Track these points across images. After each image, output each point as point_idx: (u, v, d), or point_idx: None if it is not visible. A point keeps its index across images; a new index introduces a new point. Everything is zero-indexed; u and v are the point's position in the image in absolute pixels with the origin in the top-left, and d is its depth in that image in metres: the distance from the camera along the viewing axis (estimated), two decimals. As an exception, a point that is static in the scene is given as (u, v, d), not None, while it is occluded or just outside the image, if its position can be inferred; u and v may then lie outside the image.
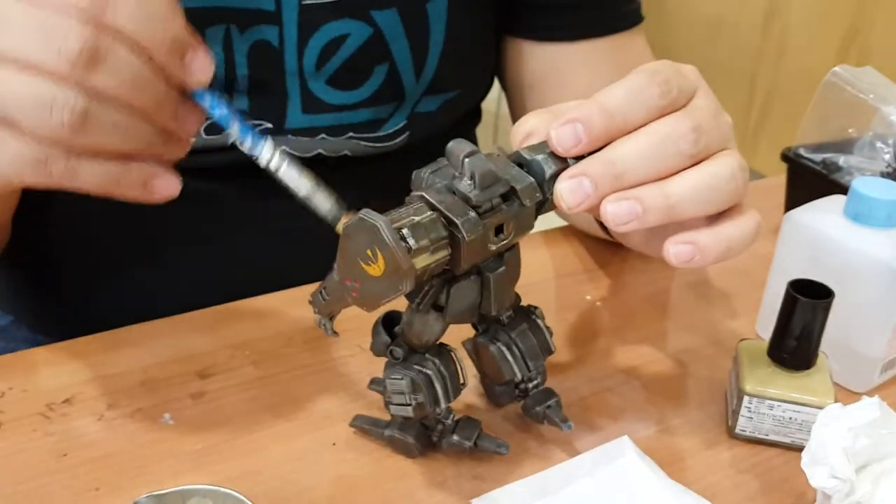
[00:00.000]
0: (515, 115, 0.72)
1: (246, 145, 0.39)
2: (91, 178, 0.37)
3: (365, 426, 0.45)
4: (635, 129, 0.38)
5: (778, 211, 0.65)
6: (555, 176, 0.38)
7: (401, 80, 0.60)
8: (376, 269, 0.36)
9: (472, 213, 0.36)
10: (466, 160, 0.37)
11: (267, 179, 0.62)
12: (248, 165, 0.60)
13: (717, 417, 0.47)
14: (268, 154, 0.39)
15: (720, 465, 0.44)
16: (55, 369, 0.49)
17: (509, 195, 0.38)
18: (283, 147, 0.39)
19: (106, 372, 0.49)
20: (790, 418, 0.44)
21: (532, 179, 0.38)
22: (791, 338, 0.44)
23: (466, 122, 0.71)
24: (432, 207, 0.37)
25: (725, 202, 0.38)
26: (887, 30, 1.90)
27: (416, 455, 0.44)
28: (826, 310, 0.43)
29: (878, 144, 0.61)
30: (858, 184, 0.48)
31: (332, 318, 0.44)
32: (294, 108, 0.59)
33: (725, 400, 0.48)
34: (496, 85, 0.73)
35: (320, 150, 0.60)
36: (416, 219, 0.36)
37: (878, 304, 0.47)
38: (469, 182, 0.37)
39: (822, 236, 0.49)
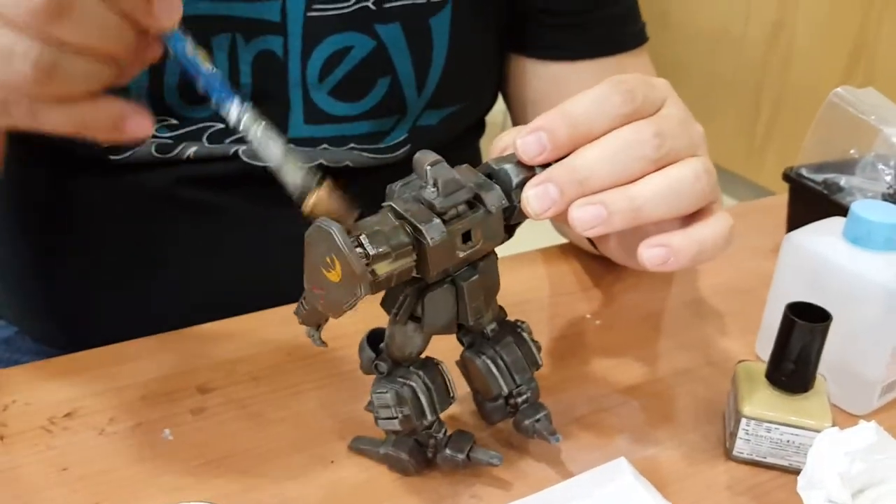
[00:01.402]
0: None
1: (213, 98, 0.38)
2: (58, 122, 0.36)
3: (362, 447, 0.45)
4: (599, 137, 0.38)
5: (780, 230, 0.65)
6: (522, 184, 0.39)
7: (402, 93, 0.61)
8: (335, 275, 0.36)
9: (437, 220, 0.37)
10: (429, 168, 0.38)
11: (270, 188, 0.63)
12: (252, 174, 0.61)
13: (714, 439, 0.47)
14: (235, 112, 0.37)
15: (717, 487, 0.44)
16: (58, 383, 0.50)
17: (475, 202, 0.39)
18: (253, 108, 0.38)
19: (108, 386, 0.50)
20: (788, 441, 0.44)
21: (497, 187, 0.39)
22: (789, 360, 0.44)
23: (469, 136, 0.71)
24: (398, 216, 0.37)
25: (692, 204, 0.39)
26: (894, 43, 1.90)
27: (411, 472, 0.44)
28: (824, 333, 0.43)
29: (880, 166, 0.61)
30: (858, 207, 0.48)
31: (319, 328, 0.44)
32: (296, 118, 0.60)
33: (723, 421, 0.48)
34: (502, 97, 0.73)
35: (321, 161, 0.61)
36: (378, 227, 0.37)
37: (877, 327, 0.47)
38: (433, 189, 0.37)
39: (821, 259, 0.49)
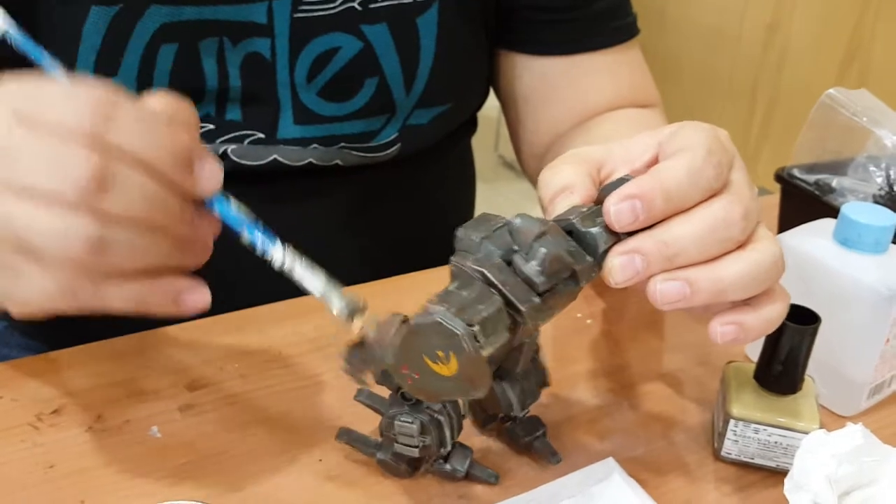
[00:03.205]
0: (511, 126, 0.72)
1: (257, 247, 0.39)
2: (119, 300, 0.36)
3: (354, 443, 0.45)
4: (690, 209, 0.38)
5: (771, 230, 0.64)
6: (606, 251, 0.38)
7: (391, 93, 0.60)
8: (446, 369, 0.36)
9: (537, 299, 0.36)
10: (536, 244, 0.36)
11: (261, 187, 0.63)
12: (242, 173, 0.60)
13: (702, 440, 0.47)
14: (279, 255, 0.39)
15: (705, 487, 0.44)
16: (46, 379, 0.49)
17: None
18: (291, 249, 0.39)
19: (96, 383, 0.49)
20: (776, 442, 0.44)
21: (591, 260, 0.38)
22: (777, 362, 0.44)
23: (460, 134, 0.71)
24: (493, 286, 0.36)
25: (767, 286, 0.39)
26: (888, 43, 1.91)
27: (404, 477, 0.44)
28: (813, 335, 0.43)
29: (871, 167, 0.61)
30: (848, 209, 0.48)
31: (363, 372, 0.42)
32: (286, 118, 0.59)
33: (712, 422, 0.48)
34: (494, 94, 0.73)
35: (311, 160, 0.60)
36: (483, 311, 0.35)
37: (866, 328, 0.48)
38: (538, 268, 0.36)
39: (811, 260, 0.49)
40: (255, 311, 0.57)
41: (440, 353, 0.35)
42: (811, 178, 0.64)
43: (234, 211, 0.38)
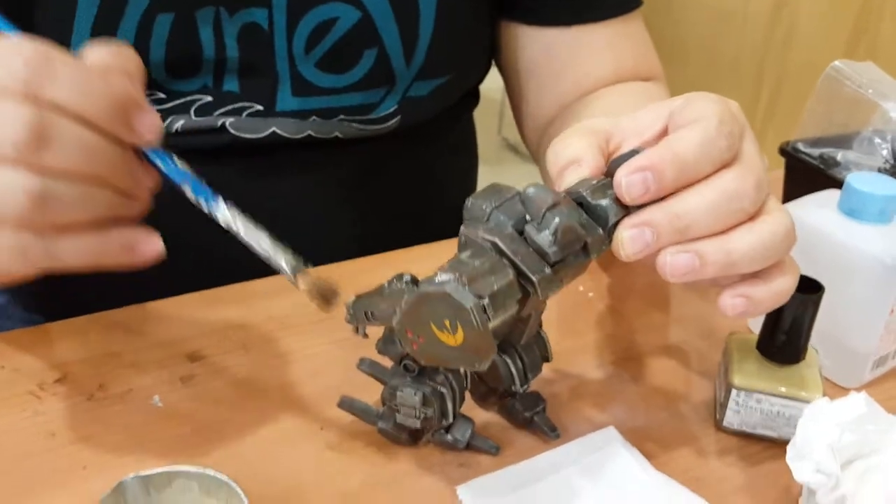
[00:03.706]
0: (513, 100, 0.72)
1: (201, 203, 0.39)
2: (72, 255, 0.37)
3: (355, 411, 0.45)
4: (700, 180, 0.38)
5: (775, 205, 0.64)
6: (616, 224, 0.38)
7: (391, 64, 0.60)
8: (451, 339, 0.35)
9: (548, 270, 0.36)
10: (549, 214, 0.36)
11: (258, 160, 0.62)
12: (240, 147, 0.60)
13: (704, 411, 0.47)
14: (222, 215, 0.39)
15: (706, 457, 0.44)
16: (47, 349, 0.49)
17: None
18: (235, 206, 0.39)
19: (98, 353, 0.49)
20: (778, 412, 0.44)
21: (601, 232, 0.38)
22: (780, 332, 0.44)
23: (461, 106, 0.70)
24: (504, 256, 0.36)
25: (778, 259, 0.39)
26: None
27: (405, 446, 0.44)
28: (816, 304, 0.43)
29: (877, 140, 0.61)
30: (853, 179, 0.47)
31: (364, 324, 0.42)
32: (285, 90, 0.59)
33: (714, 393, 0.48)
34: (496, 67, 0.72)
35: (310, 132, 0.60)
36: (495, 284, 0.35)
37: (870, 299, 0.47)
38: (550, 238, 0.36)
39: (815, 231, 0.48)
40: (256, 282, 0.56)
41: (447, 323, 0.35)
42: (816, 151, 0.63)
43: (176, 165, 0.38)
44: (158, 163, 0.38)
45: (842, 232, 0.47)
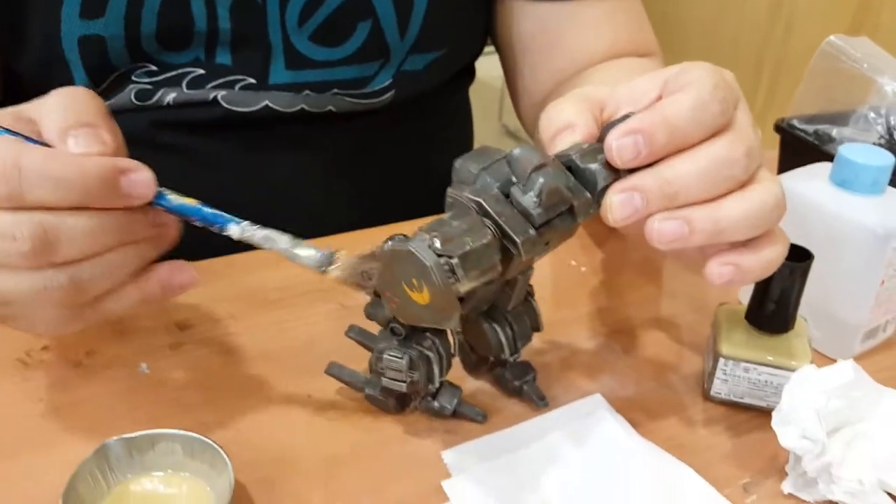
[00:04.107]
0: (509, 77, 0.72)
1: (215, 229, 0.40)
2: (118, 309, 0.39)
3: (343, 377, 0.45)
4: (692, 146, 0.37)
5: (769, 181, 0.64)
6: (606, 187, 0.37)
7: (385, 37, 0.60)
8: (420, 297, 0.35)
9: (532, 232, 0.36)
10: (535, 175, 0.36)
11: (252, 134, 0.62)
12: (232, 119, 0.60)
13: (693, 381, 0.47)
14: (236, 230, 0.39)
15: (693, 426, 0.44)
16: (35, 317, 0.49)
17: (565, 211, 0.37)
18: (246, 222, 0.39)
19: (86, 321, 0.49)
20: (766, 381, 0.44)
21: (588, 195, 0.37)
22: (769, 301, 0.44)
23: (456, 82, 0.70)
24: (488, 216, 0.36)
25: (768, 228, 0.38)
26: (898, 11, 1.88)
27: (393, 413, 0.44)
28: (805, 273, 0.43)
29: (871, 115, 0.60)
30: (845, 150, 0.47)
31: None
32: (278, 63, 0.59)
33: (704, 364, 0.48)
34: (492, 42, 0.72)
35: (303, 106, 0.60)
36: (469, 244, 0.34)
37: (862, 270, 0.47)
38: (535, 199, 0.36)
39: (807, 202, 0.48)
40: (247, 255, 0.56)
41: (414, 282, 0.35)
42: (811, 128, 0.63)
43: (178, 202, 0.39)
44: (164, 205, 0.39)
45: (833, 203, 0.47)
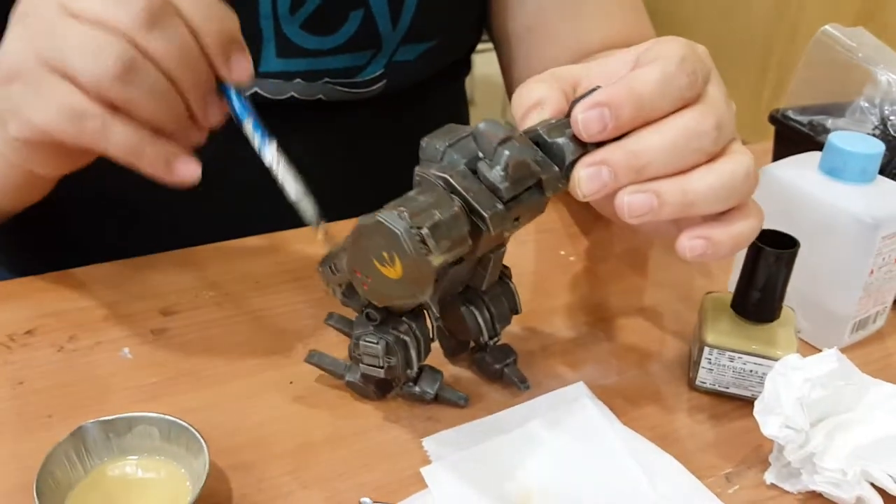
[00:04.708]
0: (504, 67, 0.71)
1: (255, 142, 0.41)
2: (119, 140, 0.38)
3: (324, 366, 0.44)
4: (660, 119, 0.37)
5: (763, 173, 0.63)
6: (574, 162, 0.37)
7: (377, 26, 0.59)
8: (392, 272, 0.35)
9: (500, 206, 0.35)
10: (500, 148, 0.35)
11: (236, 126, 0.62)
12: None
13: (678, 371, 0.47)
14: (270, 155, 0.41)
15: (677, 414, 0.44)
16: (19, 302, 0.49)
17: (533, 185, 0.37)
18: (282, 152, 0.41)
19: (70, 306, 0.49)
20: (750, 371, 0.43)
21: (557, 170, 0.37)
22: (755, 289, 0.43)
23: (451, 73, 0.69)
24: (455, 192, 0.35)
25: (739, 202, 0.38)
26: (904, 9, 1.87)
27: (374, 399, 0.43)
28: (790, 260, 0.42)
29: (865, 105, 0.60)
30: (835, 138, 0.47)
31: (341, 286, 0.42)
32: (269, 51, 0.58)
33: (689, 354, 0.48)
34: (487, 33, 0.71)
35: (293, 94, 0.59)
36: (438, 215, 0.34)
37: (851, 260, 0.46)
38: (502, 174, 0.35)
39: (796, 191, 0.48)
40: (233, 243, 0.56)
41: (385, 255, 0.35)
42: (805, 118, 0.62)
43: (245, 102, 0.41)
44: (232, 94, 0.41)
45: (822, 191, 0.47)
